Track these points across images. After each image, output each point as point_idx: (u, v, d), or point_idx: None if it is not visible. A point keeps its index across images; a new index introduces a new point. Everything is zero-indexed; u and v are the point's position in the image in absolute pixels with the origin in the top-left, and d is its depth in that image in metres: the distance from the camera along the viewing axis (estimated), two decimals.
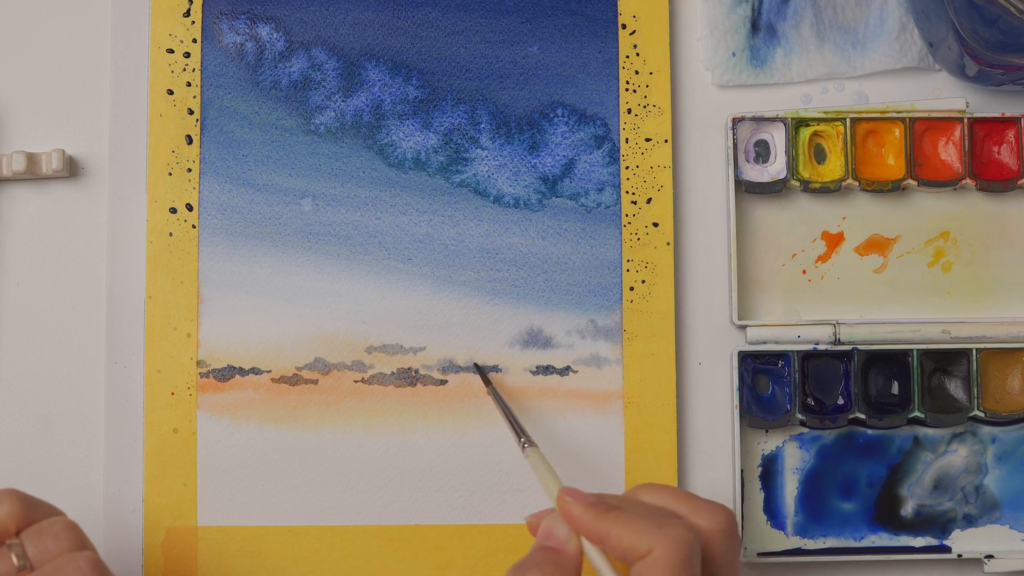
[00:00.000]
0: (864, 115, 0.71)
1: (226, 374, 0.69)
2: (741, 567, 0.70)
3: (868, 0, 0.73)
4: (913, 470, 0.71)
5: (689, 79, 0.72)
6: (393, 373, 0.70)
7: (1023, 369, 0.70)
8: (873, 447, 0.71)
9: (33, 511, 0.60)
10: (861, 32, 0.73)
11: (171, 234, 0.70)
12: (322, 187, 0.71)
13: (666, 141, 0.71)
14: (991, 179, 0.71)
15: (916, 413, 0.69)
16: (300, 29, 0.71)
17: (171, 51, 0.71)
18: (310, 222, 0.70)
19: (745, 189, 0.71)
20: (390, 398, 0.70)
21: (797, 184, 0.71)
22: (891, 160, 0.71)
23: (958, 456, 0.71)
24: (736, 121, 0.71)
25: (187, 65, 0.71)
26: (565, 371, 0.70)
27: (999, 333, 0.70)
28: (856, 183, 0.71)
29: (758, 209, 0.72)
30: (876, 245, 0.72)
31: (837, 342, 0.70)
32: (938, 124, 0.71)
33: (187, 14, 0.71)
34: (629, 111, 0.71)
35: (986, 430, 0.71)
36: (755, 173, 0.71)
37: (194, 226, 0.70)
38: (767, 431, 0.70)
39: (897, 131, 0.71)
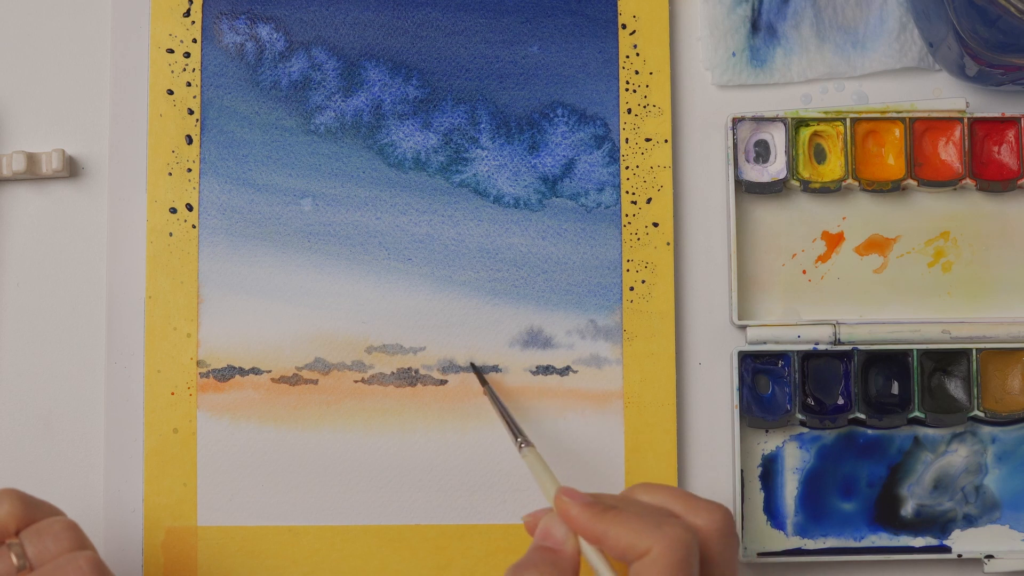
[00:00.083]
0: (864, 115, 0.71)
1: (226, 374, 0.69)
2: (741, 567, 0.70)
3: (868, 0, 0.73)
4: (913, 470, 0.71)
5: (689, 79, 0.72)
6: (393, 373, 0.70)
7: (1023, 369, 0.70)
8: (873, 447, 0.70)
9: (33, 511, 0.60)
10: (861, 32, 0.72)
11: (171, 234, 0.70)
12: (322, 187, 0.70)
13: (666, 141, 0.71)
14: (991, 179, 0.71)
15: (916, 413, 0.69)
16: (300, 29, 0.71)
17: (171, 51, 0.71)
18: (310, 222, 0.70)
19: (745, 189, 0.71)
20: (390, 398, 0.69)
21: (797, 184, 0.71)
22: (891, 160, 0.71)
23: (958, 456, 0.71)
24: (736, 121, 0.71)
25: (187, 65, 0.71)
26: (565, 371, 0.70)
27: (999, 333, 0.70)
28: (856, 183, 0.71)
29: (758, 209, 0.72)
30: (876, 245, 0.72)
31: (837, 342, 0.70)
32: (938, 124, 0.71)
33: (187, 14, 0.71)
34: (629, 111, 0.71)
35: (986, 430, 0.71)
36: (755, 173, 0.71)
37: (194, 226, 0.70)
38: (767, 431, 0.70)
39: (897, 131, 0.71)
